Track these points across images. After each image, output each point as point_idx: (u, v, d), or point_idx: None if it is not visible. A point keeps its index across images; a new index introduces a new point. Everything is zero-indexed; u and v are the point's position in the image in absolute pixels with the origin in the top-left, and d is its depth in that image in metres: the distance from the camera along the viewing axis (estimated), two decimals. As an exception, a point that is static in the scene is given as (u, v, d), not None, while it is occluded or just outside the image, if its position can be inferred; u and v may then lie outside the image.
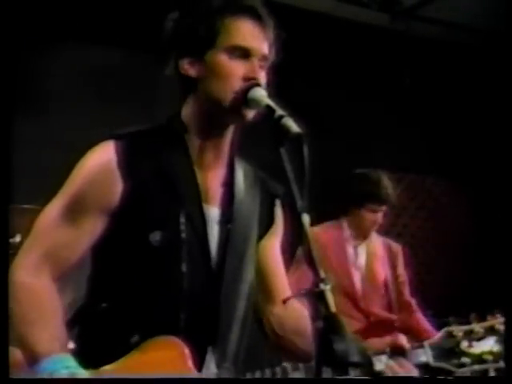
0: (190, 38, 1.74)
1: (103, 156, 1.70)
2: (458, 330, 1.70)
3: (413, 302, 3.69)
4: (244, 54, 1.71)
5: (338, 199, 3.66)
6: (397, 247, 3.74)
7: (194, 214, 1.73)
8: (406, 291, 3.69)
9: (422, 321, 3.64)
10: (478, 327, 1.69)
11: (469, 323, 1.71)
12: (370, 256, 3.62)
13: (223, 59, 1.71)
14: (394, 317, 3.57)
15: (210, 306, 1.72)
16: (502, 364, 1.65)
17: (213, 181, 1.80)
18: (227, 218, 1.79)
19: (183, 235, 1.70)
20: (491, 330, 1.68)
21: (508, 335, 1.65)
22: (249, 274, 1.82)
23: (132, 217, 1.69)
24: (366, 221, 3.54)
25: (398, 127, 5.91)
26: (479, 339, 1.67)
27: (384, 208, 3.54)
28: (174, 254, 1.69)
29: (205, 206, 1.75)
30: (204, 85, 1.73)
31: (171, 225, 1.70)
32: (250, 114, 1.71)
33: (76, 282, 1.75)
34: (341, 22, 5.50)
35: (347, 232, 3.60)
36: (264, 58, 1.73)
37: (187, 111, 1.79)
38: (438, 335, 1.72)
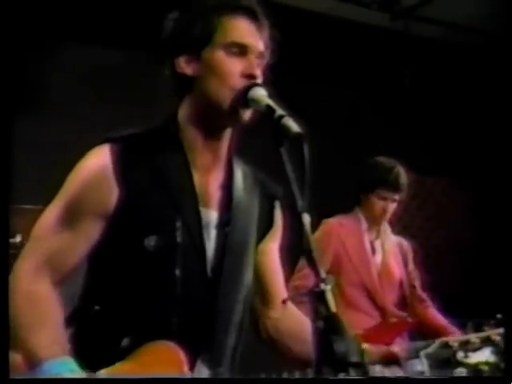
0: (186, 36, 1.72)
1: (98, 161, 1.68)
2: (454, 340, 1.69)
3: (425, 296, 3.63)
4: (241, 50, 1.69)
5: (352, 187, 3.56)
6: (407, 245, 3.67)
7: (190, 218, 1.70)
8: (418, 286, 3.63)
9: (438, 316, 3.56)
10: (474, 338, 1.67)
11: (480, 323, 1.71)
12: (385, 253, 3.53)
13: (220, 56, 1.69)
14: (406, 315, 3.45)
15: (205, 311, 1.69)
16: (497, 375, 1.63)
17: (210, 183, 1.77)
18: (225, 221, 1.76)
19: (179, 240, 1.67)
20: (487, 341, 1.66)
21: (508, 335, 1.65)
22: (247, 278, 1.80)
23: (127, 221, 1.66)
24: (375, 208, 3.43)
25: (398, 127, 5.92)
26: (475, 350, 1.66)
27: (395, 197, 3.42)
28: (169, 258, 1.66)
29: (202, 210, 1.72)
30: (201, 83, 1.71)
31: (167, 229, 1.67)
32: (247, 115, 1.69)
33: (74, 285, 1.74)
34: (340, 21, 5.51)
35: (365, 225, 3.49)
36: (260, 55, 1.72)
37: (184, 112, 1.76)
38: (433, 345, 1.70)
